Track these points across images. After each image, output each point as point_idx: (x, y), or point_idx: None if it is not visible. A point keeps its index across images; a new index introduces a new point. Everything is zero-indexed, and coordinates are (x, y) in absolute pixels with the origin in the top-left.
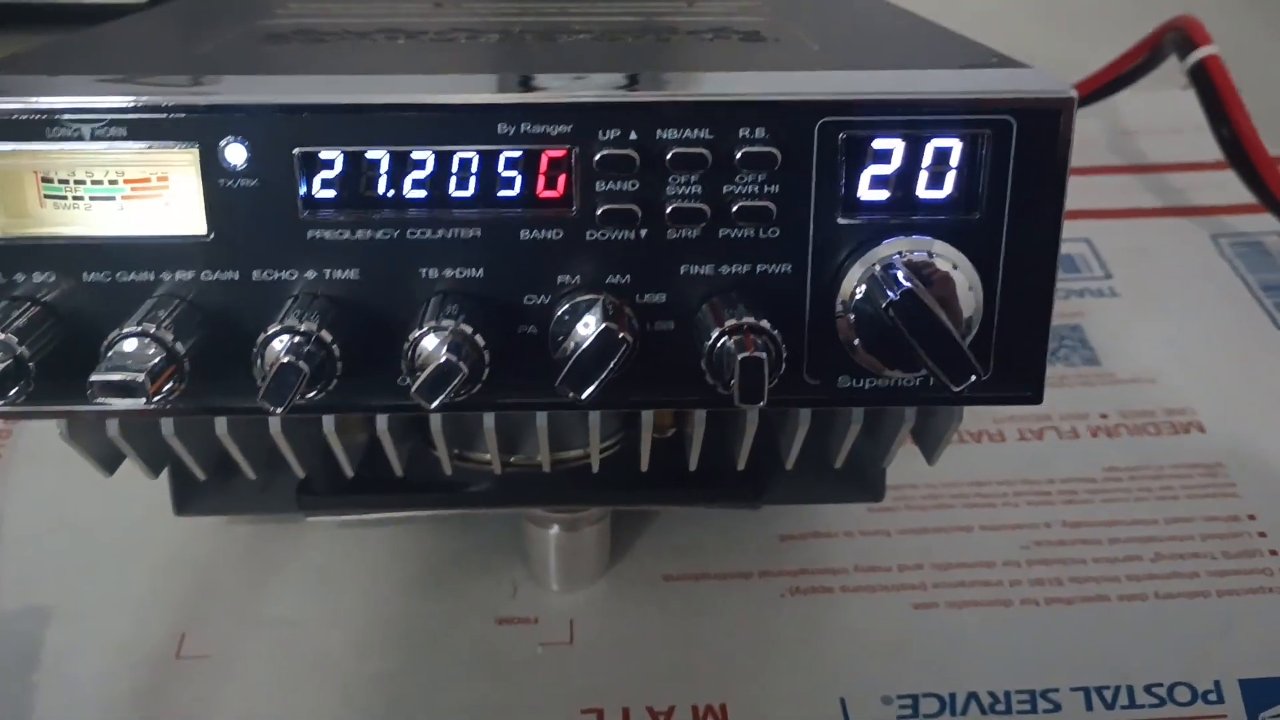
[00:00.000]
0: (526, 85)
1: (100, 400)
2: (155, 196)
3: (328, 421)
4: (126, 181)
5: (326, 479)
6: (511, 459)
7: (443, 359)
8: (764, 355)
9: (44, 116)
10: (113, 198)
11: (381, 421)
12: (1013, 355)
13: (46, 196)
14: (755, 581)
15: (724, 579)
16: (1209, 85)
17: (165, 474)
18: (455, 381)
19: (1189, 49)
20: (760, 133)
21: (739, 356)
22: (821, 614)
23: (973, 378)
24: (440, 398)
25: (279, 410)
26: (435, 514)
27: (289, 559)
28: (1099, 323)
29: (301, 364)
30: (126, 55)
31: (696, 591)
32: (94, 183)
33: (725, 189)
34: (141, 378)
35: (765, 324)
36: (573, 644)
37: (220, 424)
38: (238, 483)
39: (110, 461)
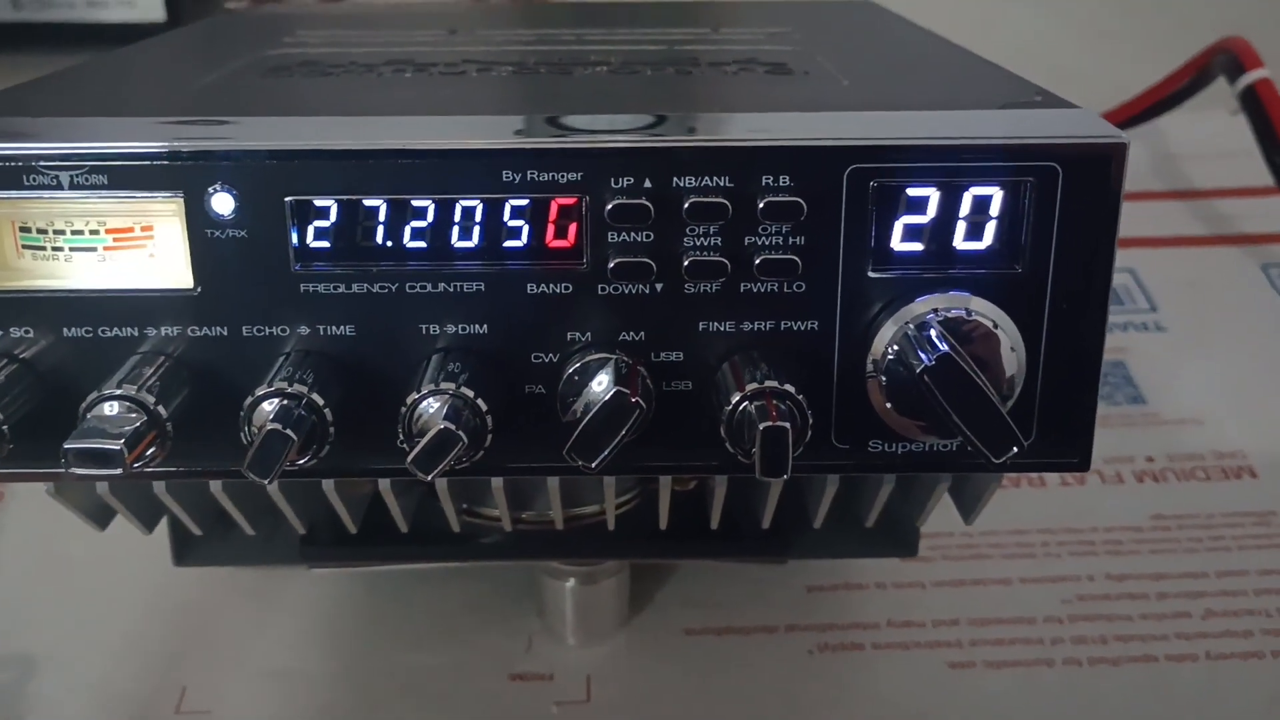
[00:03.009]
0: (534, 129)
1: (74, 470)
2: (139, 248)
3: (327, 480)
4: (108, 232)
5: (331, 530)
6: (523, 516)
7: (440, 427)
8: (787, 425)
9: (19, 163)
10: (94, 249)
11: (384, 482)
12: (1058, 419)
13: (24, 247)
14: (781, 636)
15: (748, 633)
16: (1260, 110)
17: (164, 522)
18: (454, 451)
19: (1239, 72)
20: (785, 180)
21: (760, 426)
22: (852, 673)
23: (1014, 450)
24: (438, 468)
25: (266, 481)
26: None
27: (293, 606)
28: (1144, 359)
29: (289, 431)
30: (119, 92)
31: (719, 647)
32: (74, 233)
33: (747, 240)
34: (118, 446)
35: (789, 387)
36: (590, 702)
37: (215, 482)
38: (238, 533)
39: (102, 517)
